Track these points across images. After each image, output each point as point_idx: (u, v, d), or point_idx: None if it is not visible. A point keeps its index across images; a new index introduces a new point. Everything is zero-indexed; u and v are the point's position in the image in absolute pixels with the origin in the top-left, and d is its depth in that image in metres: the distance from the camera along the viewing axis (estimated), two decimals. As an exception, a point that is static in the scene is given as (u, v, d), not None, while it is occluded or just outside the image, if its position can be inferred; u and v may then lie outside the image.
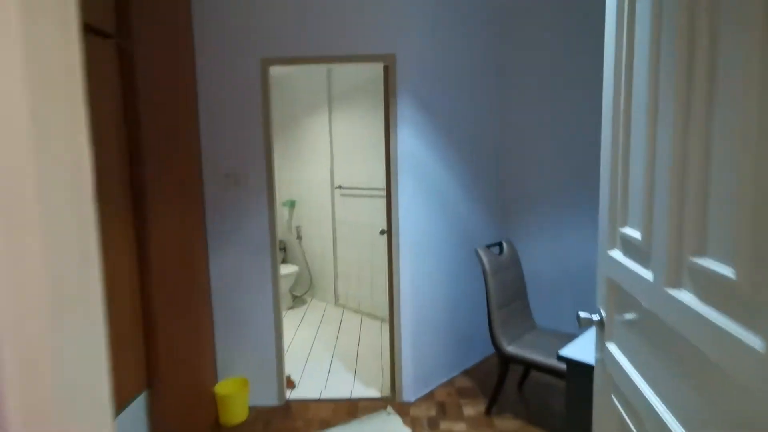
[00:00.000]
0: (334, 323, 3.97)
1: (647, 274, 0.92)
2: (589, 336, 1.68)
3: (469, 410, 2.56)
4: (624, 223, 1.10)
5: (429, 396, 2.73)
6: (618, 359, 1.13)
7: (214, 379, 2.58)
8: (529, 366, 2.29)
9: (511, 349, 2.36)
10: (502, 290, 2.47)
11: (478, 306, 3.16)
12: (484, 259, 2.44)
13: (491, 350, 3.32)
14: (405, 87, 2.52)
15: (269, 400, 2.66)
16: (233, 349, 2.62)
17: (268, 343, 2.61)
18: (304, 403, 2.68)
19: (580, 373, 1.53)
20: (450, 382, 2.89)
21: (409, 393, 2.67)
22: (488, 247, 2.55)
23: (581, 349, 1.59)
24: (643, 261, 0.96)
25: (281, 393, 2.67)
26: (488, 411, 2.51)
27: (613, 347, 1.20)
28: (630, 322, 1.08)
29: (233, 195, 2.52)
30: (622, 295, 1.13)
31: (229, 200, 2.52)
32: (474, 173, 3.03)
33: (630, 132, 1.02)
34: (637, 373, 1.04)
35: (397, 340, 2.63)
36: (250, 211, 2.53)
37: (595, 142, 2.71)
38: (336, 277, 4.39)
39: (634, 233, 0.99)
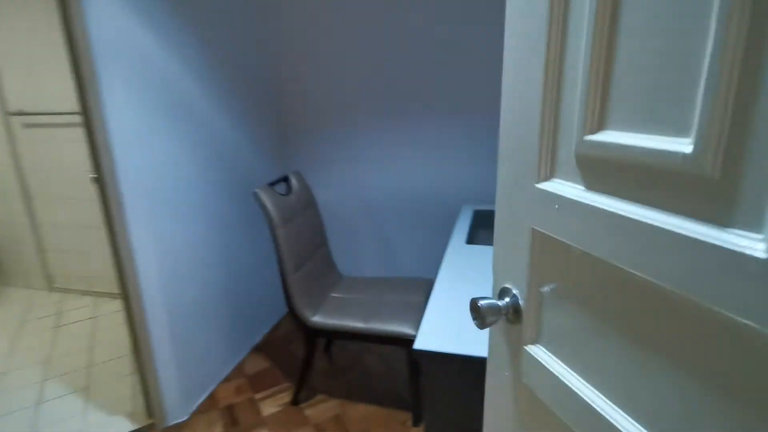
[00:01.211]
0: (49, 319, 2.64)
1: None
2: (438, 306, 1.17)
3: (270, 406, 1.91)
4: (600, 128, 0.51)
5: (209, 402, 1.95)
6: (554, 370, 0.60)
7: None
8: (344, 337, 1.74)
9: (318, 319, 1.75)
10: (298, 243, 1.79)
11: (265, 261, 2.42)
12: (269, 205, 1.67)
13: (285, 309, 2.69)
14: None
15: None
16: None
17: None
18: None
19: (438, 361, 1.01)
20: (238, 371, 2.15)
21: (178, 409, 1.83)
22: (271, 185, 1.78)
23: (435, 330, 1.06)
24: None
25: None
26: (296, 401, 1.91)
27: (539, 352, 0.66)
28: (586, 308, 0.53)
29: None
30: (569, 261, 0.58)
31: None
32: (242, 91, 2.12)
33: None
34: (599, 394, 0.52)
35: (143, 337, 1.69)
36: None
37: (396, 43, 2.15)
38: (43, 250, 2.93)
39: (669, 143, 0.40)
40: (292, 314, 1.76)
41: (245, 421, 1.82)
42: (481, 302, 0.69)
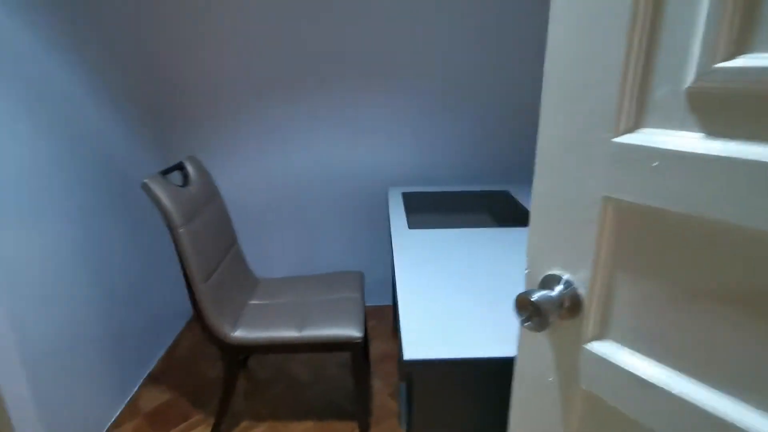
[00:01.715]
0: None
1: None
2: (410, 307, 1.00)
3: (182, 447, 1.55)
4: (741, 50, 0.38)
5: (98, 457, 1.52)
6: (638, 372, 0.49)
7: None
8: (274, 350, 1.47)
9: (240, 334, 1.45)
10: (205, 245, 1.45)
11: (152, 268, 1.99)
12: (165, 200, 1.32)
13: (183, 320, 2.27)
14: None
15: None
16: None
17: None
18: None
19: (433, 369, 0.84)
20: (130, 410, 1.73)
21: (54, 477, 1.39)
22: (163, 175, 1.42)
23: (421, 335, 0.89)
24: None
25: None
26: (217, 430, 1.59)
27: (610, 349, 0.53)
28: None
29: None
30: (664, 234, 0.45)
31: None
32: (109, 67, 1.66)
33: None
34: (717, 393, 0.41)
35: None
36: None
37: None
38: None
39: None
40: (207, 332, 1.43)
41: (151, 473, 1.46)
42: (536, 296, 0.54)
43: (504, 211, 1.79)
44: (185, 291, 1.77)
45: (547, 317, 0.53)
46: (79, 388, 1.50)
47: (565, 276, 0.56)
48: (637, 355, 0.52)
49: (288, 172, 2.13)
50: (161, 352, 2.06)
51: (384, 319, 2.29)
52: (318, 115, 2.03)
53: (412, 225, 1.49)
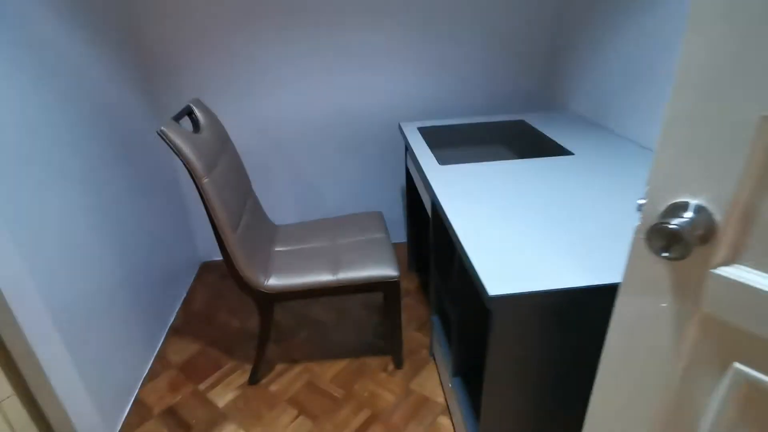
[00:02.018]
0: None
1: None
2: (477, 243, 0.98)
3: (223, 394, 1.58)
4: None
5: (140, 411, 1.53)
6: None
7: None
8: (310, 295, 1.46)
9: (274, 282, 1.43)
10: (229, 194, 1.38)
11: (162, 222, 1.92)
12: (186, 149, 1.22)
13: (193, 272, 2.23)
14: None
15: None
16: None
17: None
18: None
19: (517, 304, 0.84)
20: (161, 363, 1.73)
21: (91, 425, 1.40)
22: (176, 119, 1.30)
23: (500, 270, 0.88)
24: None
25: None
26: (253, 379, 1.61)
27: (742, 273, 0.53)
28: None
29: None
30: None
31: None
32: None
33: None
34: None
35: (19, 347, 1.19)
36: None
37: None
38: None
39: None
40: (240, 282, 1.40)
41: (200, 420, 1.48)
42: (675, 223, 0.52)
43: (524, 141, 1.77)
44: (193, 242, 1.70)
45: (689, 245, 0.52)
46: (108, 346, 1.47)
47: (696, 202, 0.55)
48: (777, 276, 0.52)
49: (288, 114, 2.02)
50: (178, 305, 2.03)
51: (398, 256, 2.31)
52: (317, 52, 1.89)
53: (441, 161, 1.44)
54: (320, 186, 2.20)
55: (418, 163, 1.40)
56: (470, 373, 1.34)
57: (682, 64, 0.52)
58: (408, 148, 1.61)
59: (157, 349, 1.79)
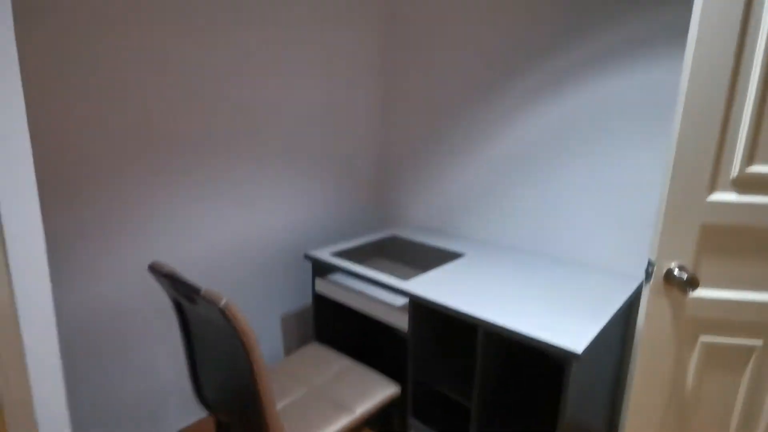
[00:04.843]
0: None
1: None
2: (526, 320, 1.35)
3: None
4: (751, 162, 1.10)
5: None
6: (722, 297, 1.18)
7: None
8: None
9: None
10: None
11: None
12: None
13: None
14: None
15: None
16: None
17: None
18: None
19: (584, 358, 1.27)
20: None
21: None
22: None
23: (564, 333, 1.29)
24: None
25: None
26: None
27: (704, 291, 1.19)
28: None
29: None
30: (734, 237, 1.14)
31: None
32: None
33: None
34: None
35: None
36: None
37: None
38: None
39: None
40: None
41: None
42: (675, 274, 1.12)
43: (408, 252, 2.21)
44: None
45: (697, 283, 1.12)
46: None
47: (679, 264, 1.17)
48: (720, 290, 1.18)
49: (179, 256, 1.78)
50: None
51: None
52: (198, 192, 1.82)
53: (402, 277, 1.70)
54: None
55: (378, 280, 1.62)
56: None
57: (670, 190, 1.15)
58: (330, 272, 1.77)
59: None
